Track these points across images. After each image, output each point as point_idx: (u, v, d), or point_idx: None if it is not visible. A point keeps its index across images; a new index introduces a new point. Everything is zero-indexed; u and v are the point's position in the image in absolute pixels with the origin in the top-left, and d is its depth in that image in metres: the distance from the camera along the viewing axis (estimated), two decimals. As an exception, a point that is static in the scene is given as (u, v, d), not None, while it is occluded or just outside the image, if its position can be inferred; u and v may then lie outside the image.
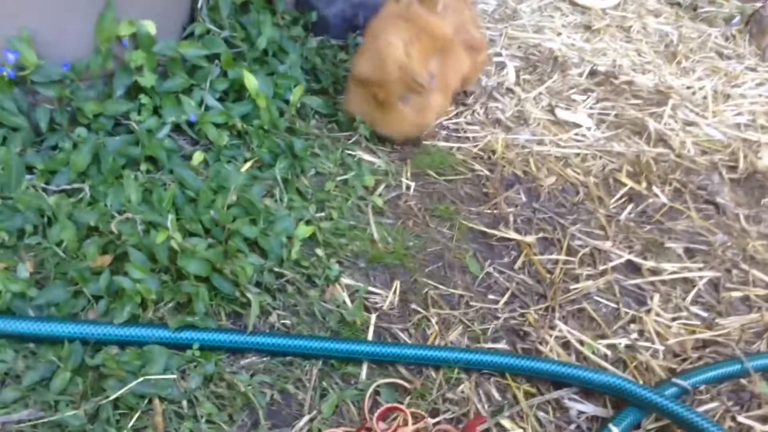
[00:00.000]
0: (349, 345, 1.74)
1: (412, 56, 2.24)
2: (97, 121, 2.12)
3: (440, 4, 2.37)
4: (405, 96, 2.32)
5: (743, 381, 1.86)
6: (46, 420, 1.49)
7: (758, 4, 3.73)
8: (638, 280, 2.13)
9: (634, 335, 1.96)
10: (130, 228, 1.82)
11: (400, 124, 2.39)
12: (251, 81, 2.27)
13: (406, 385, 1.73)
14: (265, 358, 1.74)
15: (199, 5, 2.47)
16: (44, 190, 1.96)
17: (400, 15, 2.33)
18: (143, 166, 2.11)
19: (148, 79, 2.17)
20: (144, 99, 2.20)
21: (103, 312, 1.70)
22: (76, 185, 1.98)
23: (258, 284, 1.86)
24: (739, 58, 3.47)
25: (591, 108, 2.90)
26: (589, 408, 1.75)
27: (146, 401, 1.57)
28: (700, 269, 2.20)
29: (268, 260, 1.90)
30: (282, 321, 1.83)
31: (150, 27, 2.17)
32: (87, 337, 1.63)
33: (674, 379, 1.78)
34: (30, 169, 2.01)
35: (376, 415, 1.60)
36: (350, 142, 2.47)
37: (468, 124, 2.71)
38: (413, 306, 1.95)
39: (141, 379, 1.57)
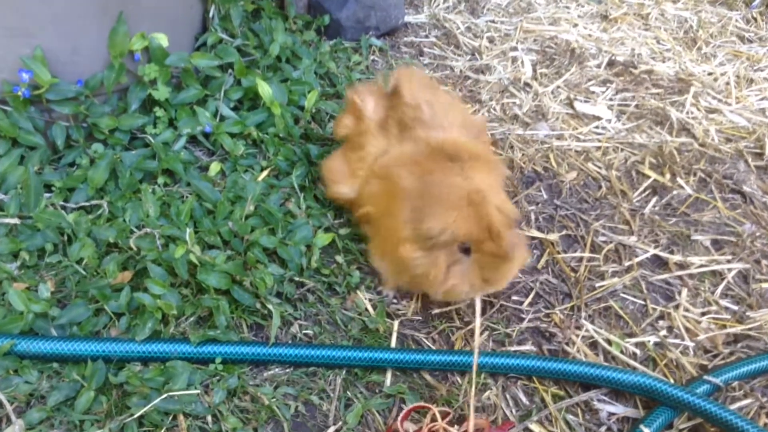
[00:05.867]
0: (373, 353, 1.73)
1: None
2: (113, 136, 2.12)
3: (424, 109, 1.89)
4: None
5: (778, 376, 1.82)
6: (72, 440, 1.49)
7: (779, -15, 3.66)
8: (665, 275, 2.09)
9: (663, 332, 1.92)
10: (149, 243, 1.81)
11: (512, 271, 1.75)
12: (265, 89, 2.26)
13: (432, 392, 1.71)
14: (288, 369, 1.73)
15: (210, 15, 2.47)
16: (63, 207, 1.97)
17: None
18: (160, 179, 2.10)
19: (162, 92, 2.17)
20: (159, 112, 2.20)
21: (124, 329, 1.70)
22: (94, 202, 1.99)
23: (279, 294, 1.86)
24: (761, 41, 3.39)
25: (611, 99, 2.85)
26: (620, 409, 1.72)
27: (171, 418, 1.57)
28: (728, 261, 2.15)
29: (288, 270, 1.89)
30: (304, 331, 1.81)
31: (162, 40, 2.17)
32: (110, 355, 1.63)
33: (705, 377, 1.74)
34: (48, 187, 2.02)
35: (400, 416, 1.58)
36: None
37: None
38: (436, 311, 1.92)
39: (165, 395, 1.56)
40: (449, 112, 1.94)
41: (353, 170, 1.97)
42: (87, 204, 1.99)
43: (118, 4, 2.06)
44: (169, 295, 1.70)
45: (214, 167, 2.17)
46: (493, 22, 3.29)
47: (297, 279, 1.90)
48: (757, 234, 2.25)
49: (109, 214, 1.96)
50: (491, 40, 3.16)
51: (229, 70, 2.36)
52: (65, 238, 1.88)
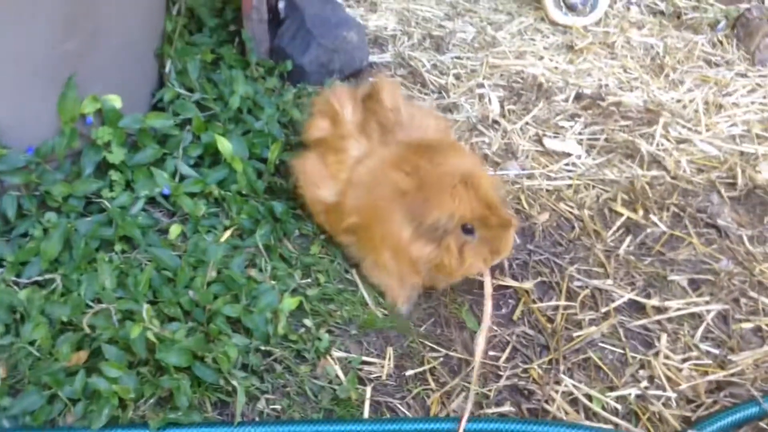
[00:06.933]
0: (345, 426, 1.65)
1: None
2: (67, 203, 2.04)
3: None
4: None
5: (763, 424, 1.77)
6: None
7: (743, 6, 3.65)
8: (643, 321, 2.04)
9: (644, 383, 1.87)
10: (105, 321, 1.73)
11: (513, 236, 1.94)
12: (225, 145, 2.19)
13: (407, 464, 1.64)
14: (256, 449, 1.65)
15: (167, 70, 2.40)
16: (15, 283, 1.88)
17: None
18: (117, 247, 2.02)
19: (116, 155, 2.09)
20: (114, 175, 2.12)
21: (81, 415, 1.61)
22: (48, 276, 1.90)
23: (244, 366, 1.78)
24: (728, 65, 3.38)
25: (580, 134, 2.81)
26: (603, 471, 1.66)
27: None
28: (706, 302, 2.10)
29: (253, 339, 1.82)
30: (271, 406, 1.73)
31: (115, 101, 2.10)
32: (65, 448, 1.55)
33: (689, 431, 1.69)
34: (0, 261, 1.93)
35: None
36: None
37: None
38: (410, 373, 1.85)
39: (123, 490, 1.48)
40: (424, 116, 2.11)
41: (332, 173, 2.02)
42: (40, 278, 1.90)
43: (67, 68, 1.99)
44: (126, 377, 1.62)
45: (174, 230, 2.09)
46: (458, 58, 3.25)
47: (263, 348, 1.82)
48: (735, 271, 2.21)
49: (64, 288, 1.87)
50: (458, 77, 3.12)
51: (188, 126, 2.28)
52: (18, 316, 1.80)
